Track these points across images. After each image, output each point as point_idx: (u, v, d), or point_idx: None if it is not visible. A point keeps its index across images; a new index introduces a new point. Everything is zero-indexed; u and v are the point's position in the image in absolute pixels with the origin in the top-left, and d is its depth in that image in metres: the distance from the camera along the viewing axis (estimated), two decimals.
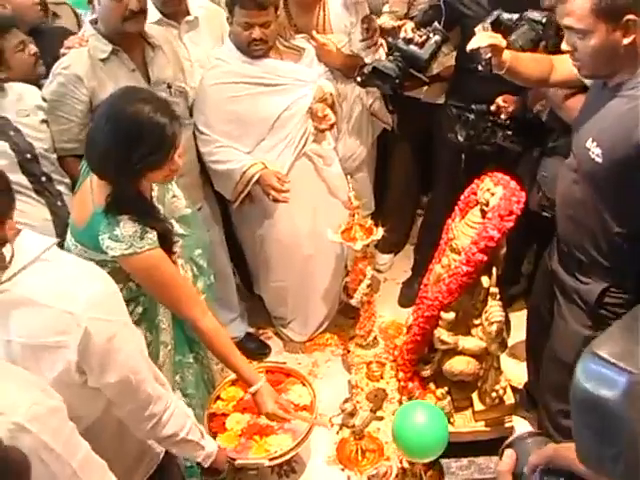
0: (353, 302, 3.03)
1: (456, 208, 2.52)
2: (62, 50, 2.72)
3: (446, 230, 2.52)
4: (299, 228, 3.15)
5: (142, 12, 2.61)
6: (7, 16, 2.89)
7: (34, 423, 1.26)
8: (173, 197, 2.38)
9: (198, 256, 2.47)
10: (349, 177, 3.01)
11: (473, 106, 2.98)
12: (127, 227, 2.01)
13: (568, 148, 2.28)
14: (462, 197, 2.48)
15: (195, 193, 2.91)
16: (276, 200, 2.92)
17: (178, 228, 2.33)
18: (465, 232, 2.32)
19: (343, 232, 2.87)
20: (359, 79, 2.85)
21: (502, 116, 2.88)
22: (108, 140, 1.93)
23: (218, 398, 2.61)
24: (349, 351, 3.13)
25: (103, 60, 2.64)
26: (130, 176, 1.99)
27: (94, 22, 2.69)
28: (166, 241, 2.13)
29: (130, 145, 1.92)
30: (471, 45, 2.31)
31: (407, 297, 3.57)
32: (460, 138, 3.00)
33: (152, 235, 2.05)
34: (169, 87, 2.78)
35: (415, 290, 2.98)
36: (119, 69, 2.66)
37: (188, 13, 3.08)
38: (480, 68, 2.37)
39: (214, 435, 2.41)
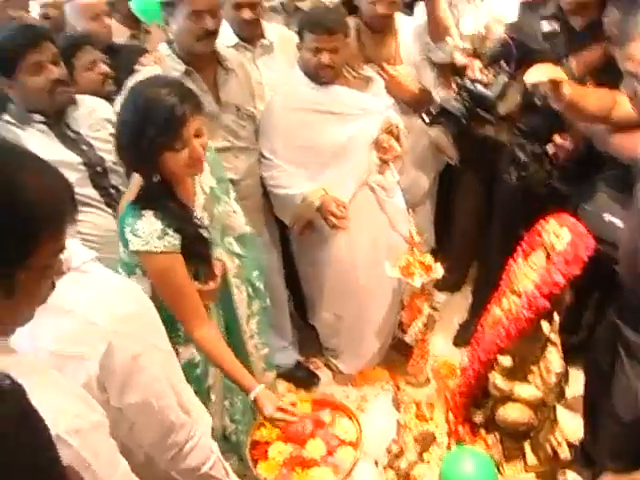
0: (407, 339, 2.96)
1: (519, 248, 2.44)
2: (136, 66, 2.76)
3: (507, 271, 2.45)
4: (357, 259, 3.11)
5: (214, 33, 2.64)
6: (82, 34, 2.99)
7: (75, 437, 1.23)
8: (233, 212, 2.38)
9: (255, 278, 2.47)
10: (410, 211, 2.96)
11: (527, 145, 2.91)
12: (148, 223, 2.01)
13: (618, 182, 2.16)
14: (526, 237, 2.41)
15: (255, 217, 2.90)
16: (335, 227, 2.90)
17: (236, 247, 2.33)
18: (528, 275, 2.25)
19: (402, 267, 2.81)
20: (426, 119, 2.82)
21: (559, 157, 2.78)
22: (123, 125, 1.99)
23: (262, 425, 2.57)
24: (399, 388, 3.05)
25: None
26: (146, 161, 1.98)
27: (169, 42, 2.73)
28: (193, 248, 2.09)
29: (140, 126, 1.93)
30: (529, 78, 2.23)
31: (463, 338, 3.49)
32: (513, 178, 2.93)
33: (173, 238, 2.03)
34: (238, 110, 2.81)
35: (471, 331, 2.89)
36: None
37: (263, 37, 3.12)
38: (538, 102, 2.30)
39: (255, 462, 2.36)
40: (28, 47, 2.27)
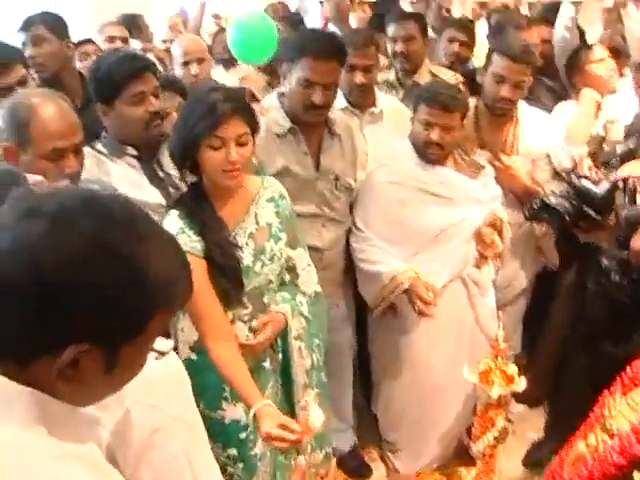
0: (473, 450, 2.70)
1: (618, 379, 2.18)
2: None
3: (600, 403, 2.18)
4: (436, 354, 2.90)
5: (326, 106, 2.56)
6: (174, 78, 3.07)
7: None
8: (308, 266, 2.31)
9: (315, 347, 2.33)
10: (500, 312, 2.74)
11: (612, 249, 2.68)
12: (170, 221, 2.04)
13: None
14: (630, 369, 2.14)
15: (333, 290, 2.79)
16: (421, 313, 2.68)
17: (305, 308, 2.26)
18: (625, 414, 1.98)
19: (481, 373, 2.57)
20: (527, 212, 2.67)
21: None
22: (175, 125, 2.12)
23: None
24: None
25: (279, 135, 2.60)
26: (187, 154, 2.03)
27: (281, 94, 2.67)
28: (219, 261, 2.05)
29: (184, 119, 2.05)
30: (621, 171, 2.03)
31: (533, 459, 3.20)
32: (592, 285, 2.71)
33: (190, 239, 2.01)
34: (336, 180, 2.72)
35: (544, 453, 2.66)
36: (291, 149, 2.63)
37: (374, 105, 3.04)
38: (624, 199, 2.08)
39: None
40: (132, 77, 2.26)
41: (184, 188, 2.43)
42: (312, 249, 2.57)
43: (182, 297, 1.07)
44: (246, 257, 2.13)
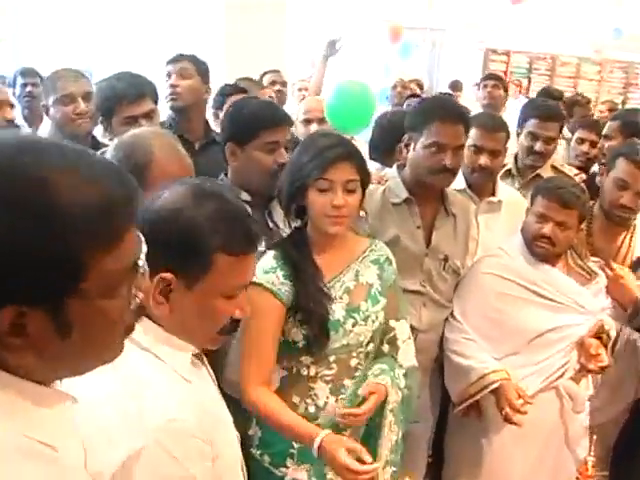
0: None
1: None
2: None
3: None
4: (515, 465, 2.65)
5: (455, 171, 2.51)
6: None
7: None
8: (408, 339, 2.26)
9: (402, 422, 2.20)
10: (594, 436, 2.51)
11: None
12: (264, 259, 2.05)
13: None
14: None
15: (421, 376, 2.58)
16: (507, 419, 2.46)
17: (402, 381, 2.16)
18: None
19: None
20: (634, 325, 2.56)
21: None
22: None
23: None
24: None
25: (394, 204, 2.57)
26: (294, 194, 2.05)
27: (400, 166, 2.64)
28: (307, 306, 2.02)
29: (296, 158, 2.10)
30: None
31: None
32: None
33: (279, 282, 2.02)
34: (445, 260, 2.62)
35: None
36: (404, 220, 2.57)
37: (494, 194, 2.96)
38: None
39: None
40: (272, 124, 2.31)
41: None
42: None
43: (121, 232, 0.91)
44: (337, 311, 2.08)
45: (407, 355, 2.26)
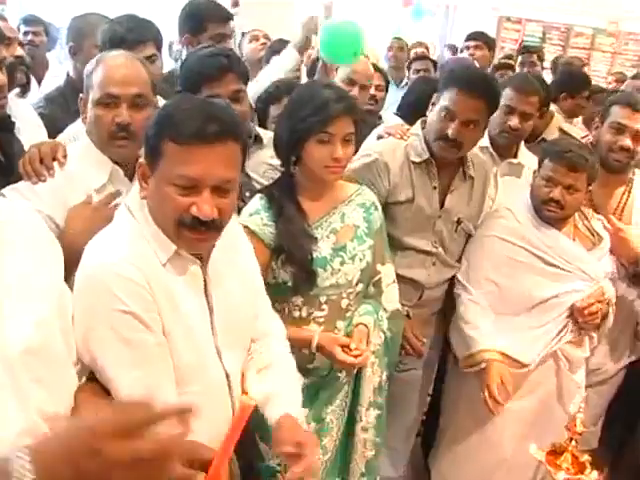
0: None
1: None
2: (380, 132, 2.82)
3: None
4: (508, 424, 2.73)
5: (458, 144, 2.48)
6: None
7: None
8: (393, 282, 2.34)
9: (385, 366, 2.30)
10: (587, 394, 2.56)
11: None
12: (252, 201, 2.17)
13: None
14: None
15: (424, 331, 2.73)
16: (485, 403, 2.53)
17: (386, 324, 2.25)
18: None
19: (550, 453, 2.36)
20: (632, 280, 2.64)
21: None
22: (283, 113, 2.24)
23: None
24: None
25: (415, 163, 2.58)
26: (292, 144, 2.11)
27: (424, 122, 2.63)
28: (291, 244, 2.11)
29: (295, 107, 2.14)
30: None
31: None
32: None
33: (263, 224, 2.11)
34: (458, 222, 2.67)
35: None
36: (422, 178, 2.60)
37: (515, 156, 2.99)
38: None
39: None
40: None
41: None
42: (414, 282, 2.64)
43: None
44: (323, 249, 2.17)
45: (391, 298, 2.35)
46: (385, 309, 2.32)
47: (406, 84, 4.94)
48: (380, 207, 2.35)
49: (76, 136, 2.18)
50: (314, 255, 2.14)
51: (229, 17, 3.13)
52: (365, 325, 2.22)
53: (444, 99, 2.47)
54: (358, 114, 2.14)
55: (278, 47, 3.62)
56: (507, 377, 2.56)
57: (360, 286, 2.26)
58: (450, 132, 2.44)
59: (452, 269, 2.75)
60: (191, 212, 1.49)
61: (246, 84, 2.45)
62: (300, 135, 2.10)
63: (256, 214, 2.13)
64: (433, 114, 2.53)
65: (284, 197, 2.16)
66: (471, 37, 5.30)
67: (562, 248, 2.65)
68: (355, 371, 2.24)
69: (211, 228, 1.53)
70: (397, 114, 3.49)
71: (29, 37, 4.31)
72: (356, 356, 2.11)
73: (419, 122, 2.67)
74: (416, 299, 2.69)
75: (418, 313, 2.67)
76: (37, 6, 5.14)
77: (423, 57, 5.41)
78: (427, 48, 6.36)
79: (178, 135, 1.46)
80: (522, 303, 2.66)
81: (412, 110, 3.19)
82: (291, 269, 2.13)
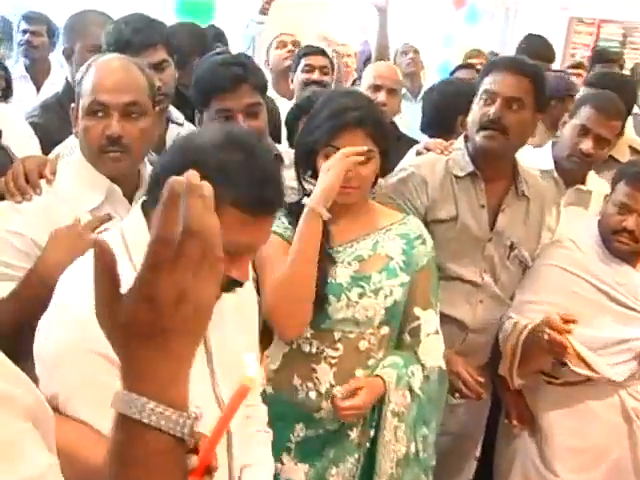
0: None
1: None
2: (419, 148, 2.68)
3: None
4: None
5: (499, 126, 2.23)
6: None
7: None
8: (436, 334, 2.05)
9: (420, 437, 2.00)
10: None
11: None
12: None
13: None
14: None
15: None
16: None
17: (416, 380, 1.96)
18: None
19: None
20: None
21: None
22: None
23: None
24: None
25: (457, 177, 2.35)
26: (304, 156, 1.97)
27: (467, 137, 2.41)
28: None
29: (310, 118, 1.98)
30: None
31: None
32: None
33: (282, 226, 1.93)
34: (511, 248, 2.37)
35: None
36: (467, 194, 2.35)
37: (583, 182, 2.71)
38: None
39: None
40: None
41: None
42: (456, 323, 2.34)
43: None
44: (341, 275, 1.94)
45: (432, 352, 2.04)
46: (423, 365, 2.01)
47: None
48: (431, 243, 2.08)
49: (72, 149, 2.03)
50: (328, 279, 1.92)
51: None
52: (382, 378, 1.92)
53: (482, 86, 2.29)
54: (376, 126, 1.91)
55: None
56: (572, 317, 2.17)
57: (385, 329, 1.98)
58: (492, 113, 2.22)
59: (503, 306, 2.41)
60: (231, 275, 1.36)
61: (263, 96, 2.26)
62: (310, 148, 1.94)
63: (276, 219, 1.92)
64: (474, 109, 2.31)
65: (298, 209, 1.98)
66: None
67: (634, 286, 2.33)
68: (372, 432, 1.96)
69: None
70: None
71: (27, 37, 3.91)
72: (343, 408, 1.87)
73: (461, 137, 2.45)
74: (458, 344, 2.36)
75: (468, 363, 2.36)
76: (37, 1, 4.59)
77: (470, 66, 4.44)
78: (486, 58, 5.45)
79: (244, 203, 1.31)
80: (583, 344, 2.30)
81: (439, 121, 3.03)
82: None
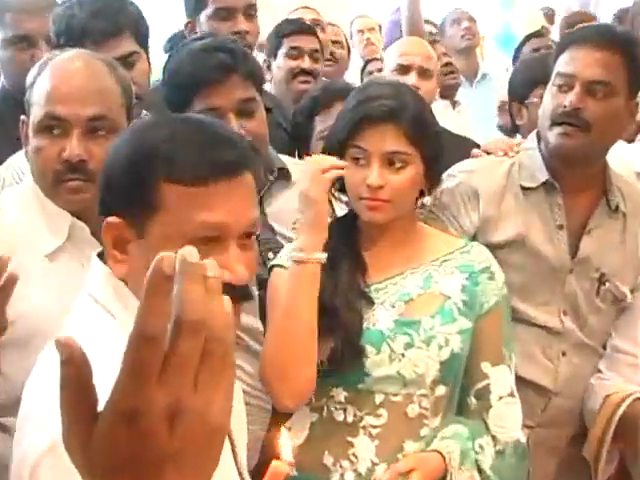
0: None
1: None
2: (476, 151, 2.26)
3: None
4: None
5: (577, 117, 1.90)
6: None
7: None
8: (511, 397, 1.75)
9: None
10: None
11: None
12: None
13: None
14: None
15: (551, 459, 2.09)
16: None
17: (487, 461, 1.67)
18: None
19: None
20: None
21: None
22: None
23: None
24: None
25: (526, 189, 2.01)
26: None
27: (540, 137, 2.07)
28: (330, 317, 1.65)
29: (339, 115, 1.79)
30: None
31: None
32: None
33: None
34: (601, 281, 1.99)
35: None
36: (539, 213, 2.01)
37: None
38: None
39: None
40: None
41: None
42: (532, 385, 1.97)
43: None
44: (382, 320, 1.70)
45: (505, 420, 1.74)
46: (494, 437, 1.71)
47: (482, 77, 3.78)
48: (503, 278, 1.78)
49: (22, 172, 1.80)
50: (364, 325, 1.69)
51: None
52: (440, 454, 1.63)
53: (556, 68, 1.96)
54: (414, 122, 1.65)
55: None
56: None
57: (442, 389, 1.70)
58: (568, 102, 1.90)
59: (594, 357, 2.02)
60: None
61: (260, 90, 1.97)
62: (332, 149, 1.74)
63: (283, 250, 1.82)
64: (546, 97, 1.99)
65: (339, 241, 1.74)
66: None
67: None
68: None
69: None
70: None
71: None
72: None
73: (534, 133, 2.10)
74: (539, 412, 1.96)
75: (542, 438, 1.95)
76: None
77: (540, 34, 3.75)
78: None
79: (180, 172, 1.14)
80: None
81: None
82: (332, 340, 1.67)
